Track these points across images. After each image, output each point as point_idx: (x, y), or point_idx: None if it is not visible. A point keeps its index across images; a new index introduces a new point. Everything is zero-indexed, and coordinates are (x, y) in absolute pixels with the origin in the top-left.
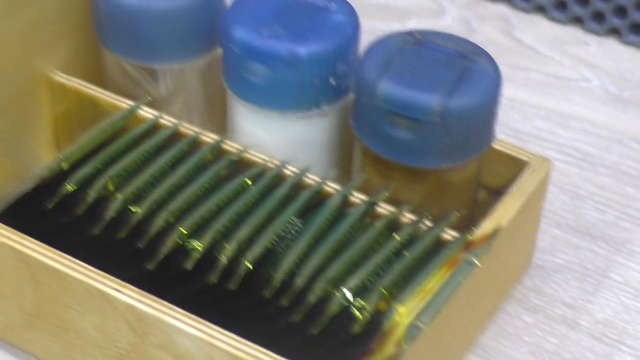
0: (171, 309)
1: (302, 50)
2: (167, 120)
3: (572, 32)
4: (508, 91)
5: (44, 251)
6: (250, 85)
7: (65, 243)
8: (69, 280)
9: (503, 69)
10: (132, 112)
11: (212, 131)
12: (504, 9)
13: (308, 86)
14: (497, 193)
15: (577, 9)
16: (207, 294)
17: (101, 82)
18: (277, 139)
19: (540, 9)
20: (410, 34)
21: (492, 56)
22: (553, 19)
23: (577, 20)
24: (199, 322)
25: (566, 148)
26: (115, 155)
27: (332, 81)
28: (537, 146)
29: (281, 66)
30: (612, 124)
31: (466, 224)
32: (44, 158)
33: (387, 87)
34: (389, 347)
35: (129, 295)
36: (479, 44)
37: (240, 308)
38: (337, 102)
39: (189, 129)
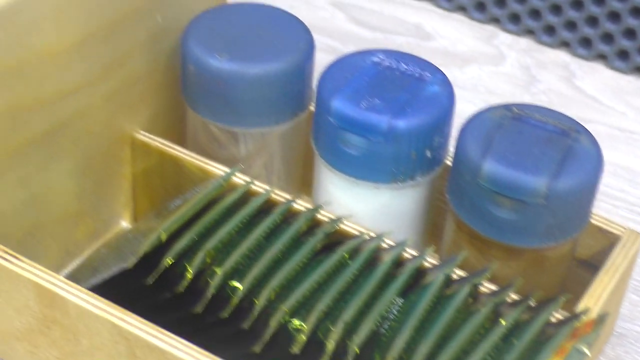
0: None
1: (401, 124)
2: (258, 187)
3: (635, 82)
4: None
5: (144, 327)
6: (345, 156)
7: (165, 319)
8: (169, 358)
9: None
10: (226, 181)
11: (294, 193)
12: (563, 56)
13: (404, 159)
14: (585, 264)
15: (639, 59)
16: None
17: (182, 139)
18: (368, 208)
19: (601, 57)
20: (508, 108)
21: (555, 106)
22: (614, 67)
23: (639, 70)
24: None
25: (637, 207)
26: (210, 226)
27: (428, 153)
28: (609, 205)
29: (379, 139)
30: None
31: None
32: (122, 215)
33: (491, 168)
34: None
35: None
36: (540, 93)
37: None
38: (431, 173)
39: (280, 196)
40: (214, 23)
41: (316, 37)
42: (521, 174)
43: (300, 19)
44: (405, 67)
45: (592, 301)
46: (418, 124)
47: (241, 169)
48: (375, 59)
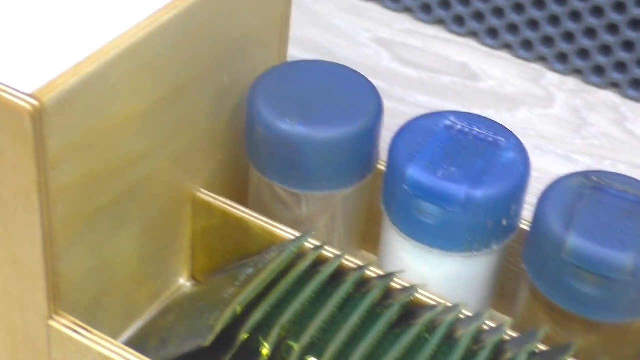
0: None
1: (479, 194)
2: (328, 251)
3: None
4: None
5: None
6: (419, 224)
7: None
8: None
9: (620, 166)
10: (298, 248)
11: (355, 249)
12: (613, 97)
13: (480, 228)
14: None
15: None
16: None
17: (242, 195)
18: (439, 275)
19: None
20: (586, 176)
21: (607, 151)
22: None
23: None
24: None
25: None
26: (283, 296)
27: (504, 222)
28: None
29: (457, 209)
30: None
31: None
32: (181, 273)
33: (576, 242)
34: None
35: None
36: (591, 137)
37: None
38: (505, 240)
39: (351, 262)
40: (280, 82)
41: None
42: (607, 250)
43: (344, 57)
44: (478, 130)
45: None
46: (496, 193)
47: (312, 235)
48: (448, 122)
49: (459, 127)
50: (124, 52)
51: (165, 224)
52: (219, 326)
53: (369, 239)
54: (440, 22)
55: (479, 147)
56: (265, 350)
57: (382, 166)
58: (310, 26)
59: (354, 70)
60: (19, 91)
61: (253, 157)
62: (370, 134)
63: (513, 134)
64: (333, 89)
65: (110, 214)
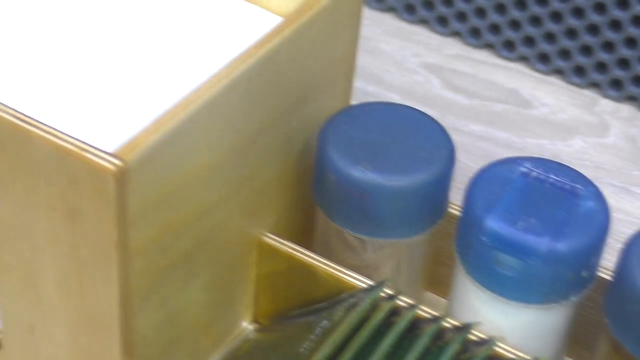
0: None
1: (561, 246)
2: (402, 301)
3: None
4: None
5: None
6: (496, 276)
7: None
8: None
9: None
10: (374, 300)
11: (421, 291)
12: None
13: (560, 280)
14: None
15: None
16: None
17: (307, 237)
18: (514, 325)
19: None
20: None
21: None
22: None
23: None
24: None
25: None
26: (360, 351)
27: (584, 273)
28: None
29: (537, 261)
30: None
31: None
32: (244, 316)
33: None
34: None
35: None
36: None
37: None
38: (584, 291)
39: (427, 312)
40: (349, 126)
41: (411, 104)
42: None
43: (394, 84)
44: (555, 178)
45: None
46: (577, 246)
47: (388, 285)
48: (523, 169)
49: (535, 174)
50: (203, 105)
51: (232, 270)
52: None
53: (433, 280)
54: (489, 46)
55: (557, 195)
56: None
57: (452, 209)
58: (358, 52)
59: (423, 112)
60: (101, 151)
61: (321, 201)
62: (444, 181)
63: (590, 181)
64: (403, 132)
65: (181, 266)
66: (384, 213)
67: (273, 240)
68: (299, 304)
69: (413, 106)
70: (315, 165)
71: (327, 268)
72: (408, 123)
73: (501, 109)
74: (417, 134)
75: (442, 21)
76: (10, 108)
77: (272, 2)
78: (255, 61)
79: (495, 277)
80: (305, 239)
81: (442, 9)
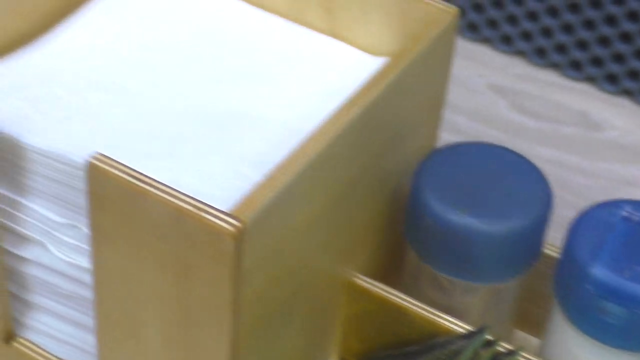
0: None
1: None
2: (503, 347)
3: None
4: None
5: None
6: (601, 324)
7: None
8: None
9: None
10: (476, 348)
11: (509, 332)
12: None
13: None
14: None
15: None
16: None
17: (395, 276)
18: None
19: None
20: None
21: None
22: None
23: None
24: None
25: None
26: None
27: None
28: None
29: None
30: None
31: None
32: (330, 355)
33: None
34: None
35: None
36: None
37: None
38: None
39: (527, 358)
40: (444, 169)
41: (478, 127)
42: None
43: (461, 105)
44: None
45: None
46: None
47: (488, 330)
48: (624, 214)
49: (637, 218)
50: (314, 159)
51: (323, 312)
52: None
53: (522, 318)
54: (555, 66)
55: None
56: None
57: (547, 249)
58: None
59: (516, 153)
60: (219, 211)
61: (415, 242)
62: (541, 225)
63: None
64: (498, 174)
65: (279, 314)
66: (480, 257)
67: (364, 281)
68: (387, 345)
69: (478, 128)
70: (408, 206)
71: (419, 310)
72: (503, 164)
73: (570, 132)
74: (512, 176)
75: (507, 40)
76: (126, 166)
77: (364, 39)
78: (362, 109)
79: (600, 325)
80: (391, 277)
81: (506, 29)
